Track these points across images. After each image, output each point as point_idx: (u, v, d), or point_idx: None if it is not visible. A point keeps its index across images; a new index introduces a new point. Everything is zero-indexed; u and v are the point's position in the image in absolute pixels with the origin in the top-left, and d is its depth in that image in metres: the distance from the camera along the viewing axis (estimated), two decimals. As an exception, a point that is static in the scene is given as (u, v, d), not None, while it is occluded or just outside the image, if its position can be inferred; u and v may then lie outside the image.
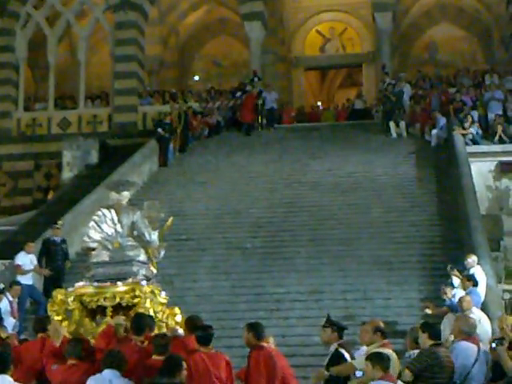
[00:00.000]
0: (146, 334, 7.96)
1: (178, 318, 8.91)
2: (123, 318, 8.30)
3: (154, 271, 9.48)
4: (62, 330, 8.38)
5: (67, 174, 24.01)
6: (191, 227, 17.84)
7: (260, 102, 26.18)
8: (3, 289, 13.36)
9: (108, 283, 8.81)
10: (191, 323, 8.25)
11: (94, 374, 7.34)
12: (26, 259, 15.06)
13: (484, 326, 10.81)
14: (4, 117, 27.68)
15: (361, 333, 8.45)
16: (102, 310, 8.75)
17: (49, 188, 26.13)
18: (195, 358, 7.49)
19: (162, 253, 9.71)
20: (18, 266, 14.92)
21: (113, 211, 9.17)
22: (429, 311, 12.63)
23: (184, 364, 6.93)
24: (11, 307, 13.35)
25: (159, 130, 23.91)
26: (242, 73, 31.21)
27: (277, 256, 16.39)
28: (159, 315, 8.85)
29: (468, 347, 7.93)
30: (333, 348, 7.96)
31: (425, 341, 7.69)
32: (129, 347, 7.65)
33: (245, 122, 25.82)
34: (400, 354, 8.53)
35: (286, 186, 20.49)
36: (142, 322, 8.01)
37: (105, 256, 9.00)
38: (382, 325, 8.36)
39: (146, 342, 7.85)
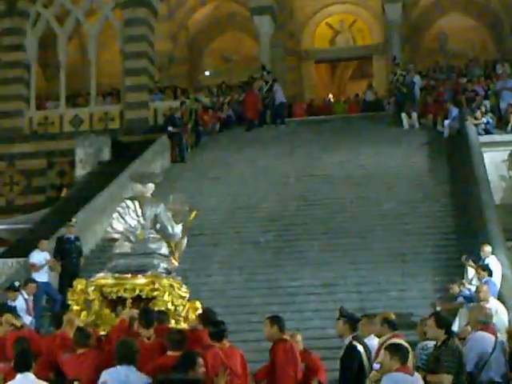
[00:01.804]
0: (154, 327, 7.95)
1: (199, 312, 8.93)
2: (136, 311, 8.31)
3: (176, 264, 9.49)
4: (76, 322, 8.40)
5: (80, 172, 24.08)
6: (204, 222, 17.79)
7: (270, 95, 26.15)
8: (19, 286, 13.43)
9: (129, 275, 8.83)
10: (205, 317, 8.26)
11: (103, 361, 7.37)
12: (40, 257, 15.13)
13: (501, 316, 10.78)
14: (16, 116, 27.77)
15: (362, 325, 8.42)
16: (122, 301, 8.76)
17: (62, 186, 26.21)
18: (212, 353, 7.49)
19: (184, 243, 9.74)
20: (33, 264, 14.99)
21: (136, 203, 9.20)
22: (438, 308, 12.58)
23: (200, 360, 6.91)
24: (27, 305, 13.42)
25: (169, 128, 23.84)
26: (252, 67, 31.16)
27: (290, 250, 16.38)
28: (179, 309, 8.87)
29: (485, 337, 7.90)
30: (347, 341, 7.96)
31: (440, 334, 7.61)
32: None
33: (246, 118, 25.76)
34: (414, 345, 8.51)
35: (297, 179, 20.46)
36: (150, 316, 7.99)
37: (127, 247, 9.03)
38: (392, 317, 8.30)
39: (153, 336, 7.83)
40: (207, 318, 8.23)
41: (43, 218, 21.04)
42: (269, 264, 15.86)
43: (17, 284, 13.48)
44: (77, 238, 15.97)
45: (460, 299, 12.25)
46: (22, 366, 7.17)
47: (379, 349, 7.72)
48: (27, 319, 13.00)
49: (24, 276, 14.90)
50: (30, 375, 7.16)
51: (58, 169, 26.98)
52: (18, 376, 7.13)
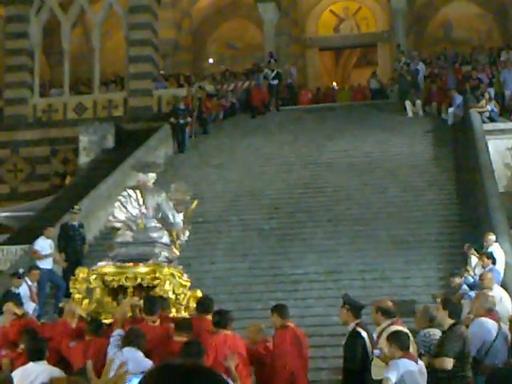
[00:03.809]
0: (158, 314, 8.02)
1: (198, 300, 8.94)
2: (137, 299, 8.38)
3: (177, 253, 9.51)
4: (77, 311, 8.45)
5: (84, 159, 24.08)
6: (208, 210, 17.85)
7: (275, 82, 26.15)
8: (22, 273, 13.45)
9: (130, 263, 8.86)
10: (203, 305, 8.29)
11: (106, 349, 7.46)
12: (46, 244, 15.14)
13: (505, 304, 10.76)
14: (20, 103, 27.77)
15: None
16: (123, 289, 8.80)
17: (66, 173, 26.22)
18: (220, 339, 7.54)
19: (187, 235, 9.75)
20: (36, 251, 15.00)
21: (138, 192, 9.20)
22: (439, 300, 12.53)
23: (204, 348, 6.95)
24: (30, 292, 13.45)
25: (171, 119, 23.73)
26: (256, 55, 31.12)
27: (294, 237, 16.38)
28: (180, 297, 8.89)
29: (488, 322, 7.91)
30: (351, 327, 7.98)
31: (444, 318, 7.62)
32: (142, 327, 7.70)
33: (252, 106, 25.75)
34: (414, 332, 8.48)
35: (302, 166, 20.44)
36: (154, 303, 8.07)
37: (128, 236, 9.05)
38: (388, 304, 8.24)
39: (158, 322, 7.90)
40: (205, 305, 8.26)
41: (47, 205, 21.08)
42: (273, 251, 15.87)
43: (21, 271, 13.52)
44: (80, 225, 15.98)
45: (463, 288, 12.20)
46: (35, 355, 7.22)
47: (378, 337, 7.73)
48: (31, 306, 13.05)
49: (28, 263, 14.93)
50: (44, 362, 7.21)
51: (61, 156, 26.99)
52: (31, 363, 7.18)
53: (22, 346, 8.18)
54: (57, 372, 7.24)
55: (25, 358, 7.46)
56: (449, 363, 7.26)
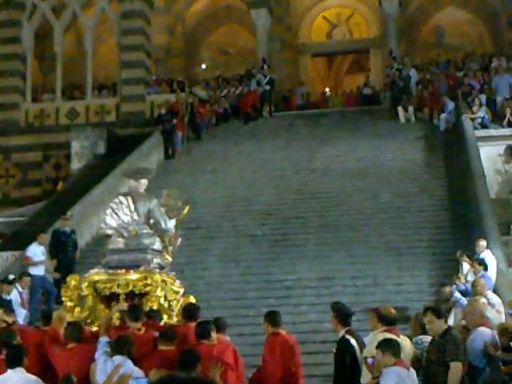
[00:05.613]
0: (143, 321, 8.00)
1: (183, 307, 8.93)
2: (126, 304, 8.36)
3: (169, 260, 9.50)
4: (66, 318, 8.42)
5: (76, 165, 24.03)
6: (200, 216, 17.83)
7: (267, 88, 26.17)
8: (13, 279, 13.39)
9: (122, 270, 8.84)
10: (188, 312, 8.27)
11: (92, 356, 7.40)
12: (38, 250, 15.08)
13: (500, 310, 10.79)
14: (12, 108, 27.69)
15: (369, 319, 8.51)
16: (115, 297, 8.78)
17: (58, 179, 26.16)
18: (202, 349, 7.52)
19: (179, 241, 9.74)
20: (27, 257, 14.93)
21: (129, 199, 9.18)
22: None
23: (200, 357, 6.92)
24: (21, 298, 13.39)
25: (159, 126, 23.73)
26: (249, 60, 31.12)
27: (286, 243, 16.39)
28: (173, 304, 8.88)
29: (486, 332, 7.92)
30: (340, 335, 8.00)
31: (441, 325, 7.61)
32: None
33: (243, 111, 25.76)
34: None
35: (294, 172, 20.46)
36: (139, 310, 8.05)
37: (120, 243, 9.03)
38: (391, 311, 8.26)
39: (143, 329, 7.88)
40: (190, 313, 8.24)
41: (39, 210, 21.00)
42: (265, 257, 15.87)
43: (11, 277, 13.42)
44: (72, 231, 15.94)
45: (455, 295, 12.20)
46: (13, 362, 7.18)
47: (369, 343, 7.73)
48: (21, 312, 12.98)
49: (19, 269, 14.87)
50: (21, 370, 7.16)
51: (53, 162, 26.93)
52: (9, 371, 7.13)
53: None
54: (34, 380, 7.20)
55: (4, 365, 7.41)
56: (458, 368, 7.23)
